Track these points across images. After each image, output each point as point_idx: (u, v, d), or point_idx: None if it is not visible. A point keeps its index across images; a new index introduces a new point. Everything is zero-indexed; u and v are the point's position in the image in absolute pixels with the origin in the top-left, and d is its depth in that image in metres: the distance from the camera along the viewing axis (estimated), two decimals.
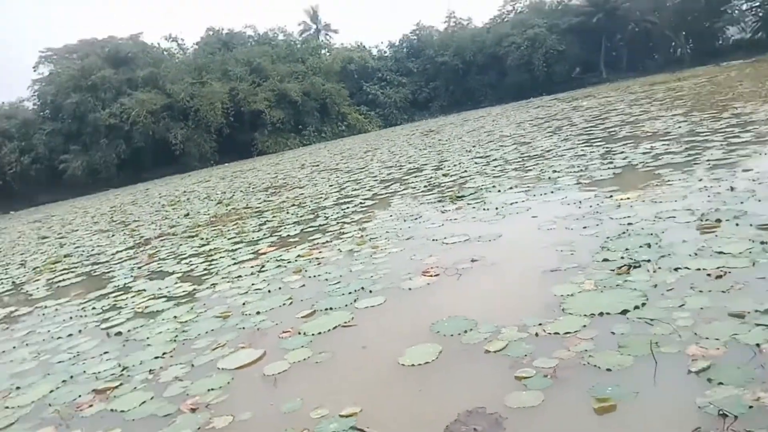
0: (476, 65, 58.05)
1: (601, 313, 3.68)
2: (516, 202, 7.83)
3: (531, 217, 6.87)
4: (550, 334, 3.55)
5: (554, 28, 54.33)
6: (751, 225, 4.85)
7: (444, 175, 12.24)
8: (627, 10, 50.73)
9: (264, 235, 9.41)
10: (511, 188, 9.05)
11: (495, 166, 11.90)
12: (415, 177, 12.91)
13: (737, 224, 4.96)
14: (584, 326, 3.55)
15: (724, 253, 4.27)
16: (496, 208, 7.68)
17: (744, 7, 46.65)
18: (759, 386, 2.57)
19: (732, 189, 6.21)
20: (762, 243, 4.35)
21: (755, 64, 32.25)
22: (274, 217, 11.28)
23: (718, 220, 5.16)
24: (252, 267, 7.14)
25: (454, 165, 13.71)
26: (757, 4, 43.59)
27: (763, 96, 15.26)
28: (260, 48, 58.52)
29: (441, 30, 63.27)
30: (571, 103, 30.44)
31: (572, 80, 55.27)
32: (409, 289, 5.04)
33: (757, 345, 2.91)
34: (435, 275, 5.28)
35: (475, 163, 13.31)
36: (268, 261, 7.30)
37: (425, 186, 11.18)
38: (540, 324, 3.69)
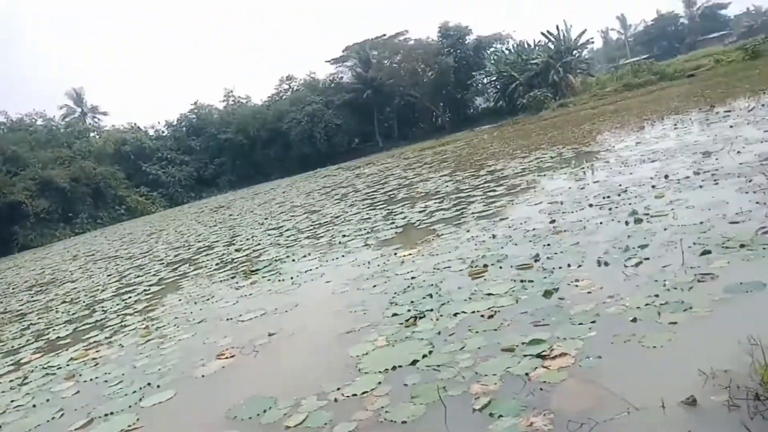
0: (261, 140, 58.78)
1: (394, 367, 3.79)
2: (311, 270, 7.89)
3: (325, 283, 6.96)
4: (348, 397, 3.54)
5: (330, 103, 57.82)
6: (511, 266, 5.49)
7: (237, 250, 11.92)
8: (392, 86, 56.18)
9: (27, 341, 8.11)
10: (305, 256, 9.12)
11: (288, 236, 11.95)
12: (206, 255, 12.37)
13: (501, 267, 5.58)
14: (379, 383, 3.62)
15: (493, 294, 4.75)
16: (292, 278, 7.64)
17: (485, 80, 54.72)
18: (531, 413, 2.84)
19: (494, 237, 7.00)
20: (522, 282, 4.93)
21: (501, 128, 37.69)
22: (39, 318, 9.83)
23: (485, 266, 5.74)
24: (12, 380, 6.06)
25: (247, 239, 13.47)
26: (494, 78, 51.49)
27: (510, 154, 17.79)
28: (15, 135, 52.58)
29: (221, 108, 63.21)
30: (354, 171, 32.22)
31: (353, 150, 58.85)
32: (202, 376, 4.69)
33: (527, 374, 3.23)
34: (231, 357, 5.00)
35: (269, 234, 13.23)
36: (32, 370, 6.26)
37: (217, 264, 10.75)
38: (338, 389, 3.67)
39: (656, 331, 3.44)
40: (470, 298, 4.78)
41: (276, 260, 9.41)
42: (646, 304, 3.83)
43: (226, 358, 4.99)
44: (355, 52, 60.69)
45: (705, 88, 23.15)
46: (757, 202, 5.45)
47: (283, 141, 57.83)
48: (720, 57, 35.57)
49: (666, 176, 7.78)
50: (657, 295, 3.93)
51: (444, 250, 6.92)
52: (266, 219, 17.55)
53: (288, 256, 9.47)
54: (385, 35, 59.89)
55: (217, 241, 14.68)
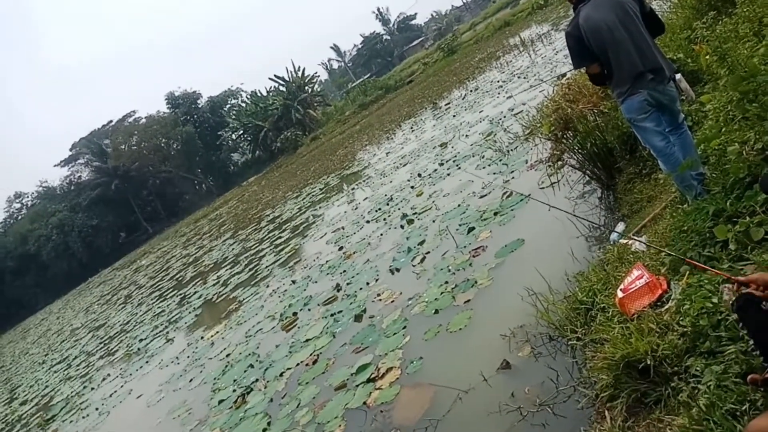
0: (9, 272, 51.03)
1: None
2: (115, 391, 7.11)
3: (136, 398, 6.33)
4: None
5: (77, 207, 52.54)
6: (318, 305, 5.56)
7: (22, 403, 10.30)
8: (139, 169, 52.89)
9: None
10: (104, 379, 8.18)
11: (78, 365, 10.58)
12: None
13: (309, 309, 5.62)
14: None
15: (310, 339, 4.76)
16: (97, 409, 6.82)
17: (234, 137, 54.50)
18: None
19: (294, 282, 7.02)
20: (332, 315, 5.02)
21: (267, 176, 37.95)
22: None
23: (295, 314, 5.74)
24: None
25: (31, 385, 11.67)
26: (242, 132, 51.52)
27: (282, 198, 17.98)
28: None
29: None
30: (131, 267, 29.80)
31: (122, 246, 54.10)
32: None
33: (364, 403, 3.30)
34: None
35: (54, 372, 11.59)
36: None
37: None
38: None
39: (456, 313, 3.77)
40: (290, 352, 4.74)
41: (72, 396, 8.30)
42: (442, 293, 4.17)
43: None
44: (84, 147, 56.36)
45: (424, 89, 26.07)
46: (494, 173, 6.31)
47: (37, 264, 50.94)
48: (426, 60, 40.36)
49: (419, 174, 8.58)
50: (447, 282, 4.31)
51: (250, 314, 6.75)
52: (47, 355, 15.34)
53: (85, 387, 8.43)
54: (111, 121, 56.73)
55: None
